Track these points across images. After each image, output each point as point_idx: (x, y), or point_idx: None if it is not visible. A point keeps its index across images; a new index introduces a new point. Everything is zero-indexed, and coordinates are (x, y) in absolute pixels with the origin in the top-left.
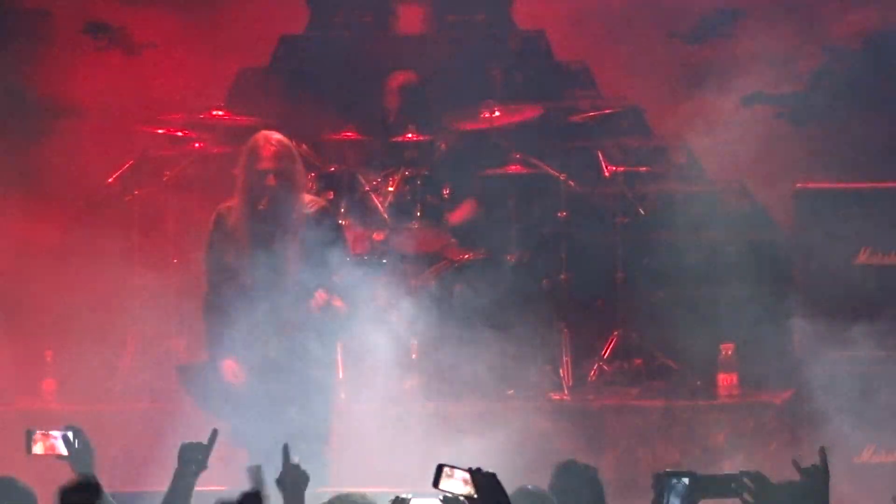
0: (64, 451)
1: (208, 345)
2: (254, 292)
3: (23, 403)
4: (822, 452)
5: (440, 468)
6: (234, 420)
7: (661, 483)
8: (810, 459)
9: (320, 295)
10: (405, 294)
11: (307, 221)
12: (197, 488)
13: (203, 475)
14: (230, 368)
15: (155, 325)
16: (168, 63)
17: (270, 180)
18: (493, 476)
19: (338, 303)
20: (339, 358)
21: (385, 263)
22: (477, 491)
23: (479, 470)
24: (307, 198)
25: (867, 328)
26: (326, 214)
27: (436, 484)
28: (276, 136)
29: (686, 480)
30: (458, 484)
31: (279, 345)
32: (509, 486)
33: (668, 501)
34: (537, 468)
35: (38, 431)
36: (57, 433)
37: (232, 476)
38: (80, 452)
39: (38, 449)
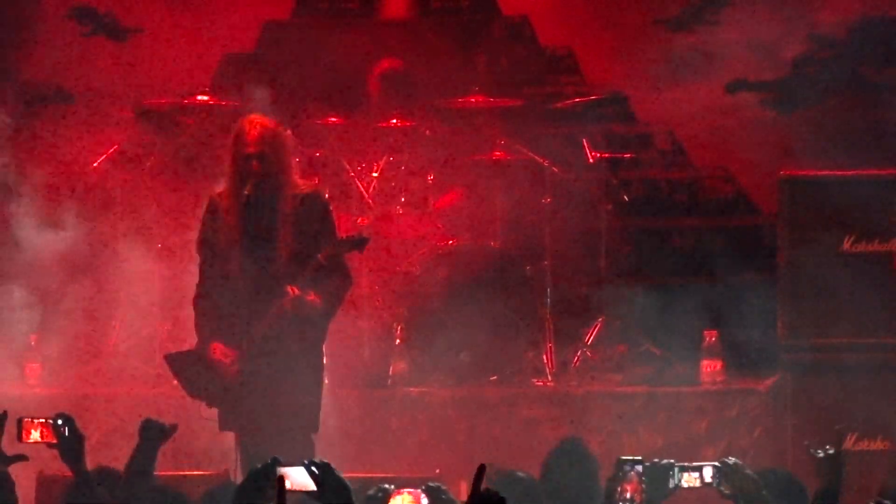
0: (53, 439)
1: (197, 329)
2: (245, 276)
3: (7, 388)
4: (838, 435)
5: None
6: (222, 405)
7: (617, 470)
8: (800, 445)
9: (291, 290)
10: (389, 279)
11: (298, 204)
12: (185, 473)
13: (191, 460)
14: (219, 349)
15: (139, 310)
16: (153, 48)
17: (255, 165)
18: (327, 465)
19: (311, 297)
20: (323, 343)
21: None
22: (315, 484)
23: (312, 462)
24: (298, 181)
25: (851, 315)
26: (317, 197)
27: (282, 486)
28: (262, 119)
29: (640, 468)
30: (300, 481)
31: (269, 328)
32: (492, 471)
33: (620, 489)
34: (520, 453)
35: (27, 419)
36: (47, 421)
37: (218, 460)
38: (69, 440)
39: (27, 436)
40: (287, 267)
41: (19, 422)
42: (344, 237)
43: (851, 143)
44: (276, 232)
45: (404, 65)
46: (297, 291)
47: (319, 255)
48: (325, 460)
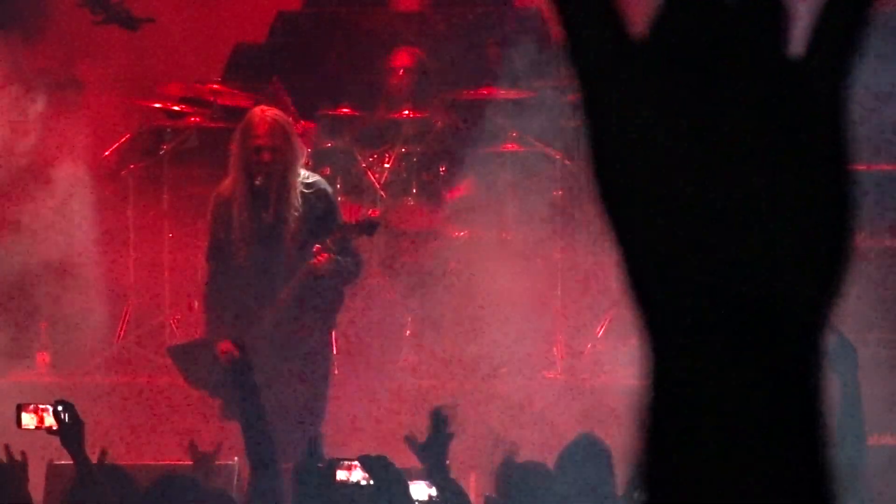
0: (53, 425)
1: (207, 322)
2: (251, 268)
3: (16, 376)
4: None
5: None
6: (226, 396)
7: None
8: None
9: (322, 255)
10: (400, 271)
11: (304, 197)
12: (191, 462)
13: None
14: (227, 349)
15: (149, 299)
16: (166, 38)
17: (265, 156)
18: (384, 459)
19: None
20: (333, 334)
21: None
22: (371, 477)
23: (367, 457)
24: (304, 173)
25: (862, 311)
26: (323, 190)
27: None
28: (271, 111)
29: None
30: (356, 475)
31: (276, 319)
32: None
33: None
34: (531, 446)
35: (26, 405)
36: (46, 407)
37: (225, 450)
38: (69, 426)
39: (27, 422)
40: (295, 257)
41: (18, 408)
42: (353, 221)
43: (864, 137)
44: (282, 224)
45: (424, 55)
46: (326, 255)
47: (328, 240)
48: (382, 455)
